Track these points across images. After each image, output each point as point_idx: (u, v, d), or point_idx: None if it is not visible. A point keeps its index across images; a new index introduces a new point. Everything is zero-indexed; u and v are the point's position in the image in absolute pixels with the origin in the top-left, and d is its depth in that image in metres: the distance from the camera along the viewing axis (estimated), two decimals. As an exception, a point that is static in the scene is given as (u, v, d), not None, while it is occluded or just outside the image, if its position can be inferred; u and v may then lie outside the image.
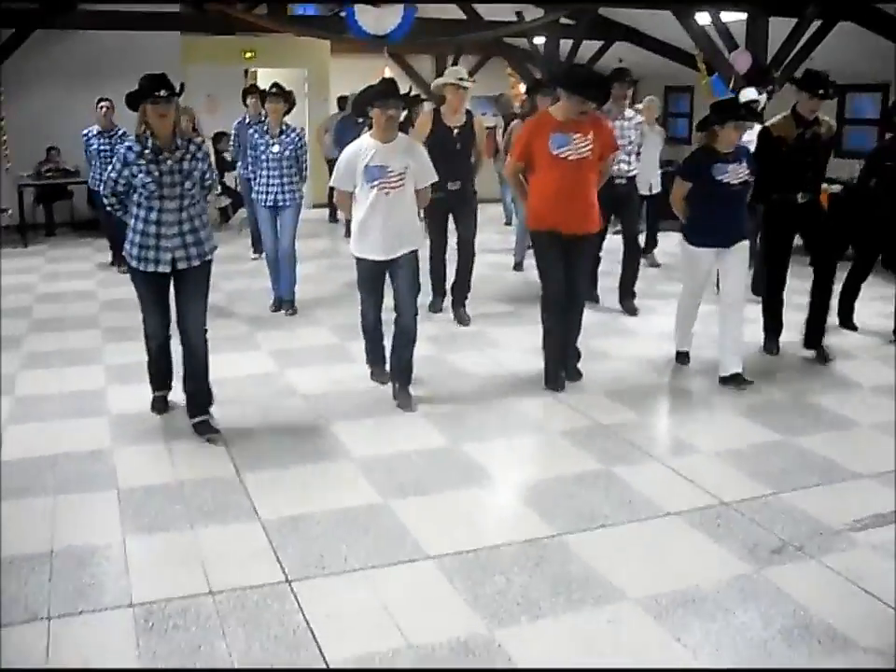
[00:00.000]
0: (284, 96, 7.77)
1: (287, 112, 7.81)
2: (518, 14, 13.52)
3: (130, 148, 4.85)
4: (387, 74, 17.62)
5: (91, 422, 5.38)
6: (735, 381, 6.02)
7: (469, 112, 7.46)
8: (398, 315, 5.64)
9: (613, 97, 7.58)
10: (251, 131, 7.94)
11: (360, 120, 5.80)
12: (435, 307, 7.89)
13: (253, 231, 10.10)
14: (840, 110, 13.02)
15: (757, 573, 3.77)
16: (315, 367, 6.47)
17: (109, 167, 4.99)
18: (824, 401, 5.84)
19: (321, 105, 14.69)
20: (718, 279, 6.77)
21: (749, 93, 8.23)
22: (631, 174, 8.11)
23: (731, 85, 9.96)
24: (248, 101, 10.14)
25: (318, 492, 4.45)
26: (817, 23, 10.15)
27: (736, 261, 6.07)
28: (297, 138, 7.72)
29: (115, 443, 5.05)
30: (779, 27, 9.97)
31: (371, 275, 5.65)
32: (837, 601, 3.58)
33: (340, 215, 11.28)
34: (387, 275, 5.64)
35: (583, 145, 5.70)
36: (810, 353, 6.71)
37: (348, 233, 6.32)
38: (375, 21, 8.71)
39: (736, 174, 5.90)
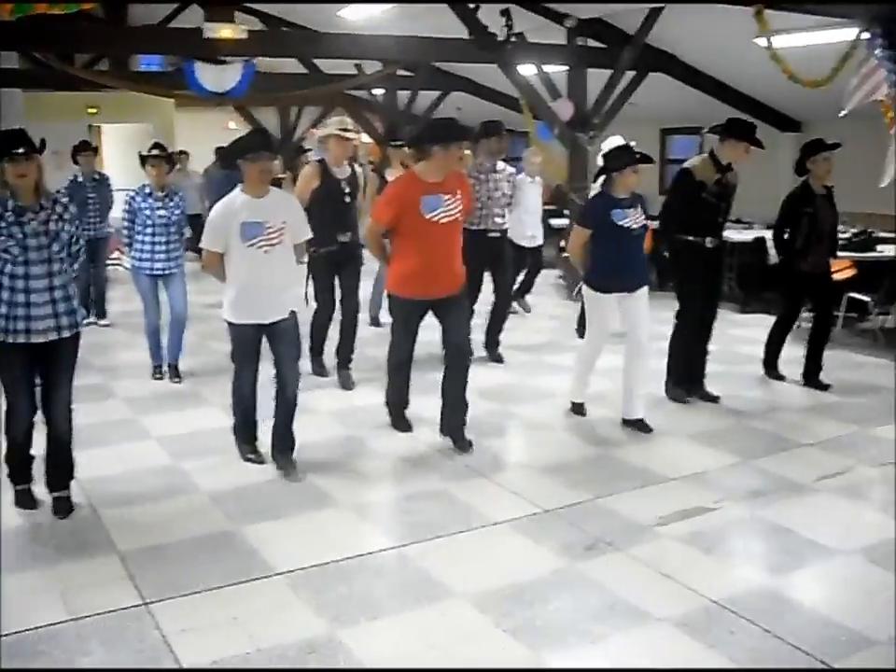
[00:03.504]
0: (167, 157, 7.39)
1: (168, 173, 7.42)
2: (358, 67, 14.11)
3: None
4: (232, 126, 18.00)
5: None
6: (637, 425, 6.16)
7: (350, 163, 7.23)
8: (282, 385, 5.35)
9: (489, 151, 7.71)
10: (132, 194, 7.29)
11: None
12: (320, 370, 7.41)
13: (98, 294, 9.66)
14: (662, 151, 14.10)
15: (572, 567, 4.28)
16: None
17: None
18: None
19: (167, 159, 14.87)
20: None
21: (614, 141, 7.91)
22: (504, 227, 8.00)
23: (555, 131, 10.73)
24: (80, 158, 9.64)
25: (177, 523, 4.75)
26: (632, 74, 11.07)
27: (641, 307, 6.11)
28: (181, 201, 7.36)
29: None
30: (597, 77, 10.81)
31: (250, 342, 5.28)
32: (639, 584, 4.12)
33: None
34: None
35: (453, 206, 5.51)
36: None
37: None
38: (215, 77, 9.03)
39: (635, 218, 5.98)
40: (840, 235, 7.80)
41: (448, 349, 5.80)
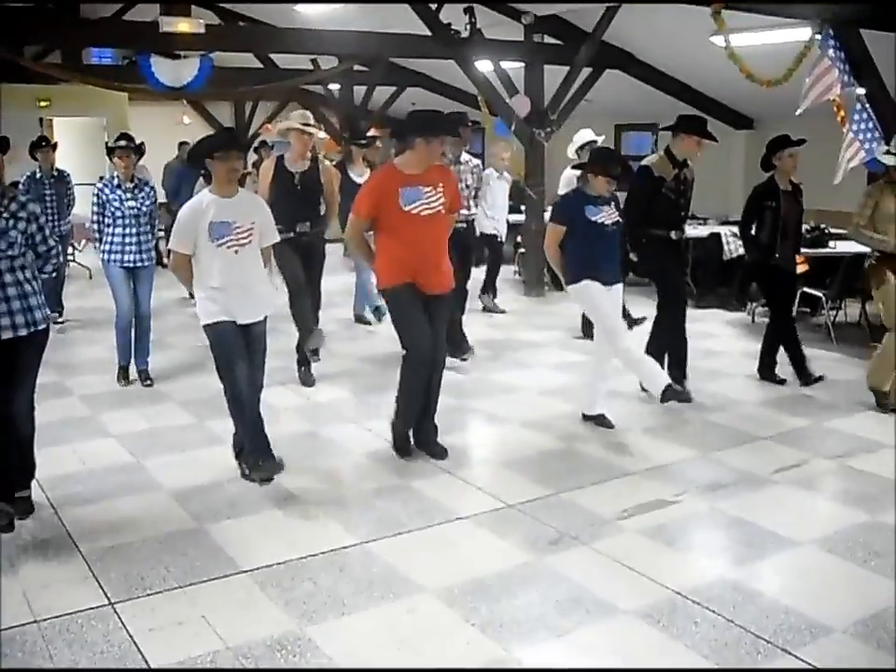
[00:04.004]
0: (135, 148, 7.20)
1: (135, 164, 7.24)
2: (314, 62, 14.05)
3: None
4: (186, 121, 17.83)
5: None
6: (598, 420, 6.22)
7: (315, 158, 7.12)
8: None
9: (452, 142, 7.49)
10: (100, 186, 7.11)
11: (203, 171, 5.18)
12: (315, 343, 7.09)
13: (54, 291, 8.96)
14: (616, 147, 14.20)
15: (537, 561, 4.31)
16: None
17: None
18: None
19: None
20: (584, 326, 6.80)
21: (585, 135, 8.16)
22: (471, 217, 8.17)
23: (512, 127, 10.78)
24: (38, 154, 9.43)
25: (140, 521, 4.71)
26: (588, 71, 11.14)
27: (615, 303, 6.12)
28: (151, 192, 7.20)
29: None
30: (554, 74, 10.87)
31: (233, 340, 5.04)
32: (604, 577, 4.16)
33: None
34: None
35: (435, 198, 5.31)
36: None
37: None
38: (172, 72, 8.95)
39: (609, 214, 6.00)
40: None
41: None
